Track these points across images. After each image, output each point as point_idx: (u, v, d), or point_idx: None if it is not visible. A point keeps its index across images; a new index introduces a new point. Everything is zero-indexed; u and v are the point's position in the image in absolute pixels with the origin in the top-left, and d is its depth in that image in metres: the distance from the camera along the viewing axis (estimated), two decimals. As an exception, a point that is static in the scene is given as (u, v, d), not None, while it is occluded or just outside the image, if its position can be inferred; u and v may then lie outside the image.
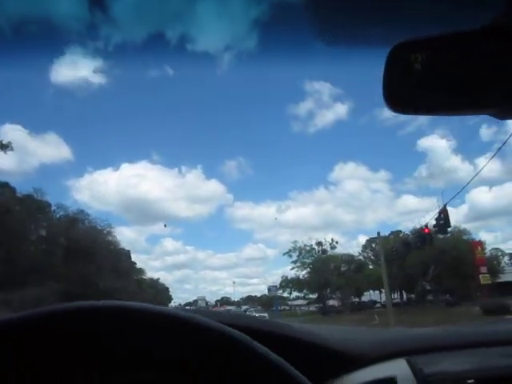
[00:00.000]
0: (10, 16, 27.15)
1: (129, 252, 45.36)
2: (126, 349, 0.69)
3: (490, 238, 63.37)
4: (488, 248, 42.95)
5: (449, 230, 23.08)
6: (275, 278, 55.84)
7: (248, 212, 66.32)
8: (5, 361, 0.65)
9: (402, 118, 52.13)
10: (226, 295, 71.72)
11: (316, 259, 48.49)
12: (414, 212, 59.02)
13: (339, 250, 49.74)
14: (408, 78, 0.81)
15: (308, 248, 49.01)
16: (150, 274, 57.27)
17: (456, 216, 49.52)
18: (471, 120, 51.52)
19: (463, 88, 0.78)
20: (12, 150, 32.46)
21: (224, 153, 72.23)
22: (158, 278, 58.89)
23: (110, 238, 39.41)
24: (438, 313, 29.06)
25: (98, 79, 51.71)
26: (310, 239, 49.61)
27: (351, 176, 62.42)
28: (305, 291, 51.60)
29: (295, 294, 53.88)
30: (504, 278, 42.19)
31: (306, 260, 48.76)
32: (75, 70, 45.59)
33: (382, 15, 0.95)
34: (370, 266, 48.42)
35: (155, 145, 72.60)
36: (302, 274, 48.86)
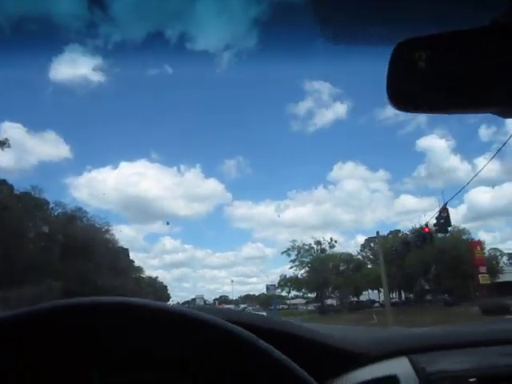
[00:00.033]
0: (10, 14, 27.10)
1: (127, 250, 45.45)
2: (129, 346, 0.69)
3: (488, 238, 63.19)
4: (487, 248, 43.14)
5: (449, 229, 23.05)
6: (274, 277, 55.96)
7: (247, 211, 66.24)
8: (4, 359, 0.65)
9: (402, 117, 52.17)
10: (225, 294, 71.73)
11: (315, 258, 48.55)
12: (412, 212, 59.15)
13: (338, 249, 49.94)
14: (412, 77, 0.81)
15: (307, 247, 49.16)
16: (149, 272, 57.49)
17: (455, 216, 49.39)
18: (470, 120, 51.58)
19: (466, 86, 0.78)
20: (9, 146, 32.46)
21: (223, 152, 72.35)
22: (157, 277, 59.06)
23: (108, 236, 39.45)
24: (437, 313, 29.09)
25: (97, 77, 51.22)
26: (313, 238, 49.83)
27: (350, 175, 62.48)
28: (303, 290, 51.70)
29: (294, 293, 54.02)
30: (503, 278, 42.24)
31: (304, 259, 48.92)
32: (74, 68, 45.66)
33: (382, 14, 0.94)
34: (369, 266, 48.51)
35: (154, 143, 72.39)
36: (301, 273, 49.05)
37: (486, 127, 53.69)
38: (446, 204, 20.21)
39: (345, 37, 0.98)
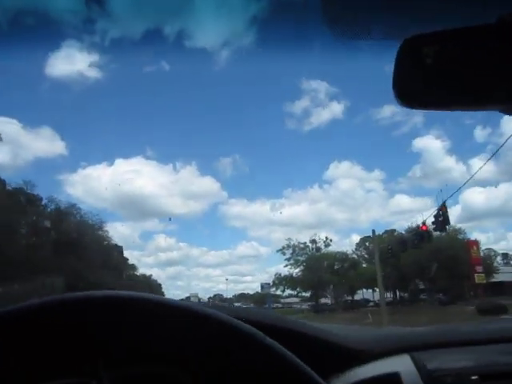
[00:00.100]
0: (6, 9, 26.73)
1: (121, 247, 45.05)
2: (127, 340, 0.69)
3: (482, 239, 63.54)
4: (481, 248, 43.22)
5: (446, 227, 22.97)
6: (268, 276, 55.80)
7: (242, 209, 65.89)
8: None
9: (398, 118, 52.25)
10: (219, 292, 71.31)
11: (310, 257, 48.45)
12: (407, 212, 59.12)
13: (333, 248, 49.90)
14: (418, 73, 0.81)
15: (302, 246, 49.09)
16: (144, 270, 57.24)
17: (450, 216, 49.45)
18: (466, 120, 51.78)
19: (473, 83, 0.79)
20: (1, 139, 32.06)
21: (219, 150, 71.74)
22: (151, 275, 58.65)
23: (101, 232, 39.10)
24: (432, 312, 29.10)
25: (93, 74, 50.89)
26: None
27: (346, 175, 62.27)
28: (298, 289, 51.56)
29: (288, 291, 53.88)
30: (498, 278, 42.42)
31: (299, 258, 48.80)
32: (71, 64, 45.36)
33: (389, 11, 0.95)
34: (364, 265, 48.44)
35: (150, 140, 71.70)
36: (296, 271, 48.92)
37: (481, 128, 53.98)
38: (444, 202, 20.16)
39: (352, 34, 0.97)
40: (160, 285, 59.72)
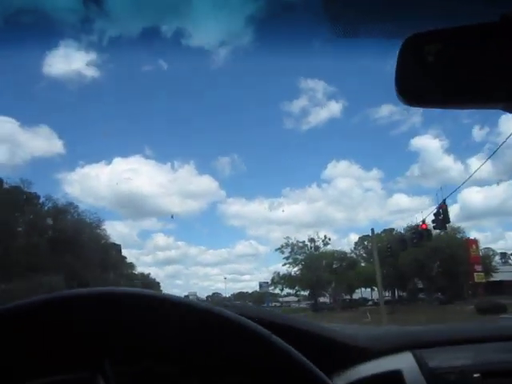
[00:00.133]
0: (3, 7, 26.50)
1: (119, 246, 44.91)
2: (132, 338, 0.69)
3: (480, 238, 63.56)
4: (480, 247, 43.22)
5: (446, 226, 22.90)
6: (267, 275, 55.69)
7: (240, 208, 65.85)
8: None
9: (396, 117, 52.21)
10: (218, 291, 71.26)
11: (308, 256, 48.42)
12: (405, 211, 58.97)
13: (331, 247, 49.85)
14: (420, 71, 0.82)
15: (300, 244, 49.04)
16: (142, 268, 57.12)
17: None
18: (464, 120, 51.69)
19: (475, 81, 0.79)
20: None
21: (217, 149, 71.45)
22: (149, 273, 58.54)
23: (99, 231, 38.98)
24: (431, 311, 29.09)
25: (91, 73, 50.39)
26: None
27: (344, 174, 62.12)
28: (296, 288, 51.55)
29: (287, 290, 53.85)
30: (496, 277, 42.43)
31: (298, 256, 48.78)
32: (68, 62, 45.14)
33: (391, 10, 0.94)
34: (362, 264, 48.43)
35: (148, 140, 71.53)
36: (294, 270, 48.92)
37: (479, 128, 53.94)
38: (445, 200, 20.09)
39: (353, 33, 0.97)
40: (158, 283, 59.62)
